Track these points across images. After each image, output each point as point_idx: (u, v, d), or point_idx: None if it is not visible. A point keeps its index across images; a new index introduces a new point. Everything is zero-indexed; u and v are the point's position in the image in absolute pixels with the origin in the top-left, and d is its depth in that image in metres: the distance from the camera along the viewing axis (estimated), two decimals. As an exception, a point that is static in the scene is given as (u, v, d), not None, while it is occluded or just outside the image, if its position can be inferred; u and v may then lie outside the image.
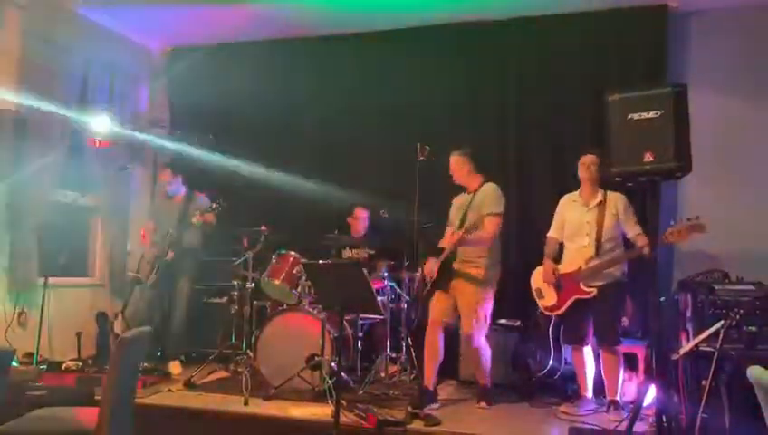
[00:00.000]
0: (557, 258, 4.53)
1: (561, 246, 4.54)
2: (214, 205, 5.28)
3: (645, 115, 3.86)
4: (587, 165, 4.44)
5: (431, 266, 4.44)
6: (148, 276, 5.40)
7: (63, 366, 5.19)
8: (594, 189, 4.44)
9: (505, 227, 4.45)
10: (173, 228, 5.40)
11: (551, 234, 4.61)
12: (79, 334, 5.67)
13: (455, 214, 4.59)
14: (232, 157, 6.11)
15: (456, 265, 4.40)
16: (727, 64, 5.20)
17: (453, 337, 4.70)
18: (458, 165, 4.55)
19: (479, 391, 4.48)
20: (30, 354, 5.00)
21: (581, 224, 4.40)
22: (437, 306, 4.42)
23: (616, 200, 4.38)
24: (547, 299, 4.48)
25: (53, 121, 5.44)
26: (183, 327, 5.47)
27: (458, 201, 4.62)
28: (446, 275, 4.39)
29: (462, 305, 4.37)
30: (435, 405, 4.25)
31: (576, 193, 4.54)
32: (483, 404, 4.36)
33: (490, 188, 4.50)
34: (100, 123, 5.60)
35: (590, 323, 4.34)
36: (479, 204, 4.44)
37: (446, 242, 4.43)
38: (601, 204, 4.38)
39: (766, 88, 5.11)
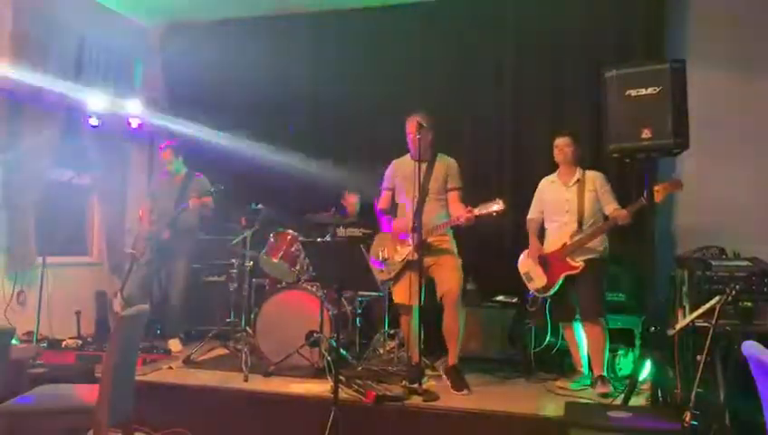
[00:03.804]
0: (541, 240, 4.54)
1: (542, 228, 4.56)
2: (212, 189, 5.29)
3: (643, 91, 3.84)
4: (560, 147, 4.46)
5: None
6: (143, 254, 5.42)
7: (63, 344, 5.22)
8: (571, 169, 4.47)
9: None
10: (171, 208, 5.39)
11: (530, 216, 4.64)
12: (78, 313, 5.69)
13: (406, 181, 4.40)
14: (228, 135, 6.08)
15: (430, 240, 4.29)
16: (726, 38, 5.16)
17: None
18: (432, 126, 4.41)
19: (450, 372, 4.29)
20: (30, 333, 5.03)
21: (561, 202, 4.43)
22: (412, 290, 4.20)
23: (593, 178, 4.41)
24: (537, 281, 4.47)
25: (48, 99, 5.40)
26: (181, 307, 5.50)
27: (407, 168, 4.42)
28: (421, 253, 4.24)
29: (446, 276, 4.31)
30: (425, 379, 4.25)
31: (554, 175, 4.57)
32: (465, 392, 4.15)
33: (454, 162, 4.48)
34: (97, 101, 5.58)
35: (576, 299, 4.35)
36: (442, 176, 4.40)
37: (464, 216, 4.17)
38: (580, 182, 4.41)
39: (765, 62, 5.08)
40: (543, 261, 4.45)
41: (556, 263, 4.37)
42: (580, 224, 4.33)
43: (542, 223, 4.59)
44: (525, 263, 4.57)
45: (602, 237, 4.33)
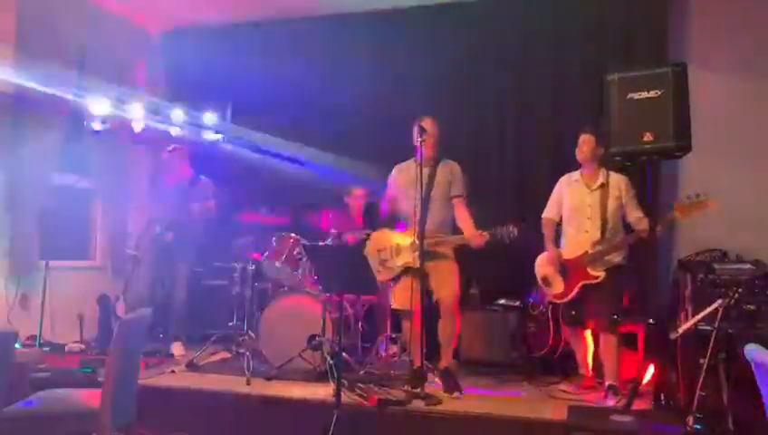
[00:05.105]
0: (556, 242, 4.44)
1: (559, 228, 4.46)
2: (216, 193, 5.33)
3: (645, 94, 3.84)
4: (578, 144, 4.34)
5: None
6: (146, 255, 5.42)
7: (66, 348, 5.22)
8: (595, 170, 4.31)
9: (503, 208, 4.41)
10: (174, 211, 5.40)
11: (546, 215, 4.49)
12: (81, 317, 5.69)
13: (410, 186, 4.34)
14: (231, 139, 6.09)
15: (429, 246, 4.23)
16: (728, 40, 5.15)
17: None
18: (436, 131, 4.39)
19: (443, 374, 4.29)
20: (33, 337, 5.03)
21: (583, 207, 4.28)
22: (414, 294, 4.13)
23: (619, 182, 4.25)
24: (555, 287, 4.35)
25: (51, 104, 5.41)
26: (183, 310, 5.49)
27: (410, 173, 4.40)
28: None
29: (442, 280, 4.29)
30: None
31: (576, 173, 4.41)
32: (456, 395, 4.13)
33: (457, 166, 4.45)
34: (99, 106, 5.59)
35: (591, 307, 4.24)
36: (446, 180, 4.38)
37: (477, 240, 4.16)
38: (604, 186, 4.24)
39: (767, 64, 5.07)
40: (561, 267, 4.31)
41: (575, 271, 4.23)
42: (603, 232, 4.16)
43: (558, 223, 4.43)
44: (544, 268, 4.43)
45: None
